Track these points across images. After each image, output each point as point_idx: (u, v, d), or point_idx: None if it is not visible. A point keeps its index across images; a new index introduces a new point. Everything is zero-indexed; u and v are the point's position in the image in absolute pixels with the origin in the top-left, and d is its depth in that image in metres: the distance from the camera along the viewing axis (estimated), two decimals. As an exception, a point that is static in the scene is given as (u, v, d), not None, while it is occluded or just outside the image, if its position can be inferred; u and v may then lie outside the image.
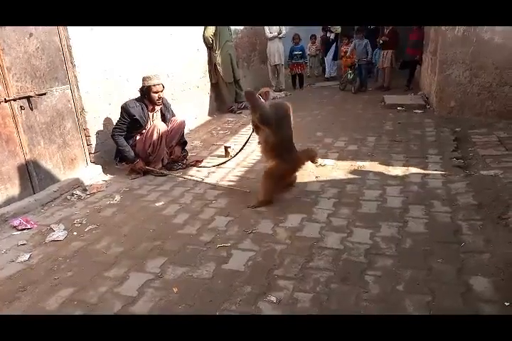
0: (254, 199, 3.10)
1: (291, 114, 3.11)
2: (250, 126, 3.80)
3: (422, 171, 3.57)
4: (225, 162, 4.02)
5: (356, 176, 3.57)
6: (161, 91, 3.84)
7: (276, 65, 8.15)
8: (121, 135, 3.79)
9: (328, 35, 9.58)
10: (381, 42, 7.53)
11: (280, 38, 8.05)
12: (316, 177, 3.60)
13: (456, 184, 3.23)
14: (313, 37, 9.71)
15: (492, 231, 2.49)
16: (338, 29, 9.59)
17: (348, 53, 7.98)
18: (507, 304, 1.86)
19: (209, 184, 3.58)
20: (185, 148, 4.33)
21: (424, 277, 2.10)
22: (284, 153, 3.02)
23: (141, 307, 2.00)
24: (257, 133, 3.25)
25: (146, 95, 3.83)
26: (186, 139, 4.38)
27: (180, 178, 3.79)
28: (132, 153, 3.81)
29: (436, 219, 2.71)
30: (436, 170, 3.56)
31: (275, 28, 7.87)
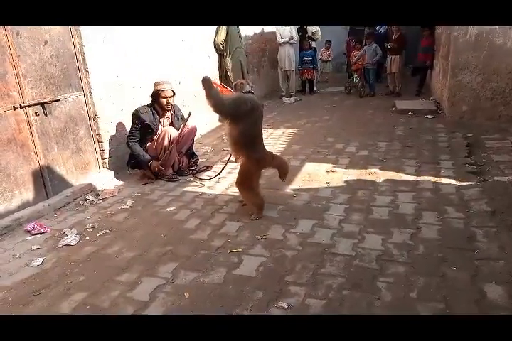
0: (251, 210, 3.04)
1: (260, 111, 2.95)
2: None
3: (435, 177, 3.54)
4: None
5: (367, 182, 3.55)
6: (170, 97, 3.87)
7: (286, 70, 8.15)
8: (135, 141, 3.83)
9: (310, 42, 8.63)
10: (388, 47, 7.52)
11: (291, 43, 8.04)
12: (327, 182, 3.58)
13: (470, 190, 3.20)
14: (328, 42, 9.70)
15: (506, 238, 2.45)
16: (319, 37, 9.18)
17: (355, 59, 8.02)
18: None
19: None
20: (196, 153, 4.36)
21: (438, 284, 2.08)
22: (247, 150, 2.92)
23: (153, 312, 2.01)
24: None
25: (156, 100, 3.87)
26: (197, 144, 4.39)
27: (191, 183, 3.81)
28: (147, 156, 3.83)
29: (450, 226, 2.68)
30: (449, 176, 3.53)
31: (287, 34, 7.84)
